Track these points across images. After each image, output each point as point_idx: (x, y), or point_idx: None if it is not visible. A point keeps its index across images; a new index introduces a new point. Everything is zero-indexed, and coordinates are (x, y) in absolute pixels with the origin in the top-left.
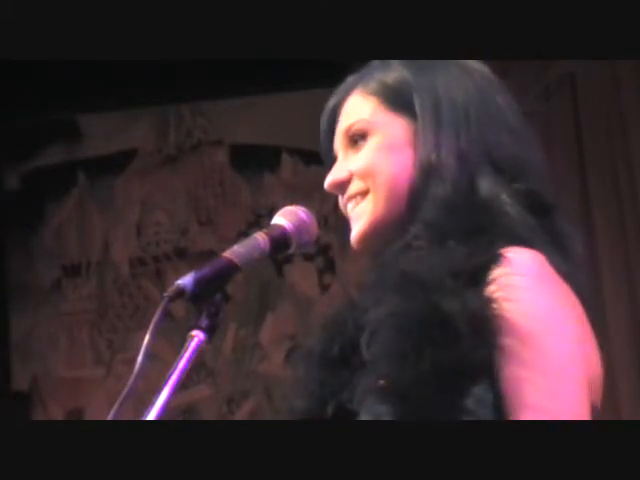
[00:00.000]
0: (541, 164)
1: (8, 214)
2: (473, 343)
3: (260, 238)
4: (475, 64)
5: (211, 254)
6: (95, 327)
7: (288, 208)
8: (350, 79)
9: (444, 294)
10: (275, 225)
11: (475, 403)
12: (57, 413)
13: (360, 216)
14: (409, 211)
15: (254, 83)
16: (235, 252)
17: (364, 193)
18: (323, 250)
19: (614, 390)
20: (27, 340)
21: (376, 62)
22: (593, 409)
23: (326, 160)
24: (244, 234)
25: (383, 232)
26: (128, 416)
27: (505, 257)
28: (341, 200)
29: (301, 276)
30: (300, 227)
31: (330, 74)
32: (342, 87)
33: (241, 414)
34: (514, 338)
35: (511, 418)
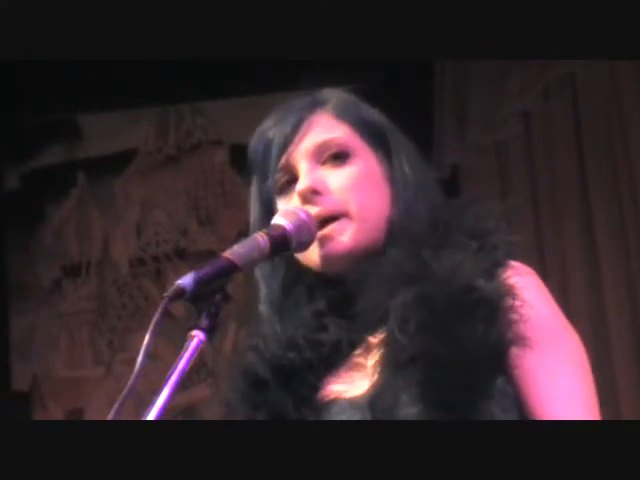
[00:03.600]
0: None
1: (8, 214)
2: (508, 322)
3: (260, 238)
4: None
5: (211, 254)
6: (95, 327)
7: (289, 209)
8: (295, 103)
9: (475, 277)
10: (275, 225)
11: (500, 394)
12: (57, 413)
13: (332, 238)
14: (383, 241)
15: (254, 83)
16: (235, 252)
17: (338, 215)
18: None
19: (614, 390)
20: (27, 340)
21: (327, 90)
22: None
23: (262, 172)
24: (244, 234)
25: (355, 258)
26: (128, 416)
27: (508, 263)
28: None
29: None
30: (300, 227)
31: (329, 74)
32: (288, 113)
33: None
34: (535, 331)
35: (534, 410)
